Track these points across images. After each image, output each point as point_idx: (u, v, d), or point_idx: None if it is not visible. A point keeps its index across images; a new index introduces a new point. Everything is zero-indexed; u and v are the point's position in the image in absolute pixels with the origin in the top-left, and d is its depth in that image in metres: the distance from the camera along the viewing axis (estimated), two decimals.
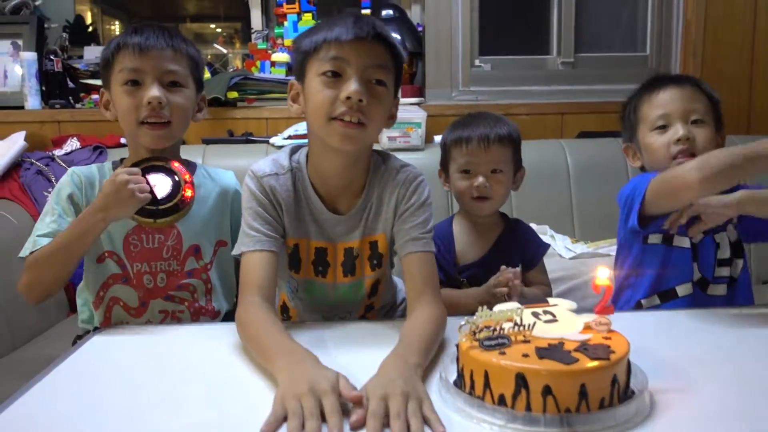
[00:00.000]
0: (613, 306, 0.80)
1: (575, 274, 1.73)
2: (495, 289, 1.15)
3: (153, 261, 1.21)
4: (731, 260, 1.25)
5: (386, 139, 1.99)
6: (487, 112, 1.33)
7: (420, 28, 2.39)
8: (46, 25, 2.34)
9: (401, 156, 1.18)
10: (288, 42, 2.32)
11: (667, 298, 1.25)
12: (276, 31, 2.38)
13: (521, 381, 0.69)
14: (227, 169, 1.36)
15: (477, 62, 2.41)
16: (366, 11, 2.31)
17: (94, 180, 1.22)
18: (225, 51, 2.80)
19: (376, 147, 1.17)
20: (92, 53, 2.37)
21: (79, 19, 2.67)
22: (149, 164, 1.14)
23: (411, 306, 1.03)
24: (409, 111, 2.06)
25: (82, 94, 2.26)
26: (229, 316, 1.27)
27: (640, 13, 2.52)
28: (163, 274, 1.21)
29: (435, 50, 2.34)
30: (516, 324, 0.76)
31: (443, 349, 0.93)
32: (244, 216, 1.08)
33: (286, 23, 2.33)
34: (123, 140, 1.96)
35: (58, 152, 1.98)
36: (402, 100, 1.18)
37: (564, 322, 0.79)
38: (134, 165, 1.14)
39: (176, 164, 1.16)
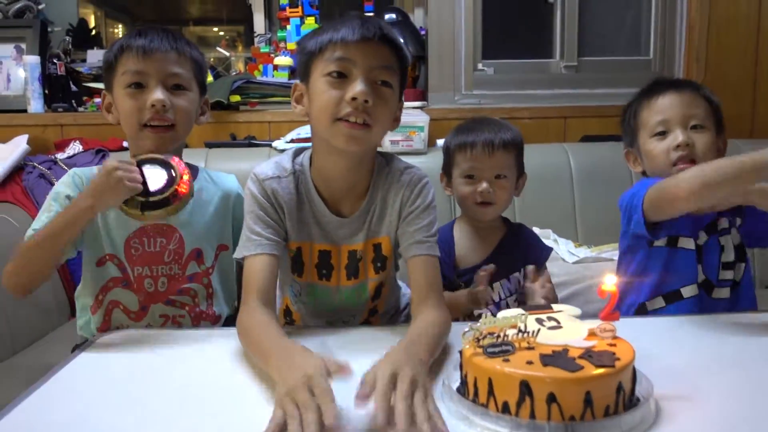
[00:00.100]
0: (618, 312, 0.79)
1: (578, 278, 1.73)
2: (475, 288, 1.15)
3: (154, 265, 1.20)
4: (735, 263, 1.25)
5: (389, 142, 1.98)
6: (491, 117, 1.33)
7: (423, 32, 2.39)
8: (49, 29, 2.35)
9: (404, 159, 1.16)
10: (291, 45, 2.32)
11: (671, 300, 1.24)
12: (279, 34, 2.38)
13: (525, 388, 0.68)
14: (230, 173, 1.36)
15: (480, 66, 2.41)
16: (369, 15, 2.31)
17: None
18: (228, 54, 2.80)
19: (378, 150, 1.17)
20: (95, 57, 2.38)
21: (83, 22, 2.67)
22: (149, 157, 1.11)
23: (415, 310, 1.03)
24: (412, 115, 2.06)
25: (84, 98, 2.26)
26: (229, 321, 1.27)
27: (643, 16, 2.52)
28: (164, 278, 1.21)
29: (438, 54, 2.33)
30: (520, 331, 0.76)
31: (446, 355, 0.93)
32: (246, 219, 1.08)
33: (288, 27, 2.33)
34: (125, 143, 1.96)
35: (60, 156, 1.98)
36: (405, 104, 1.18)
37: (568, 329, 0.79)
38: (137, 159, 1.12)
39: (176, 160, 1.12)
